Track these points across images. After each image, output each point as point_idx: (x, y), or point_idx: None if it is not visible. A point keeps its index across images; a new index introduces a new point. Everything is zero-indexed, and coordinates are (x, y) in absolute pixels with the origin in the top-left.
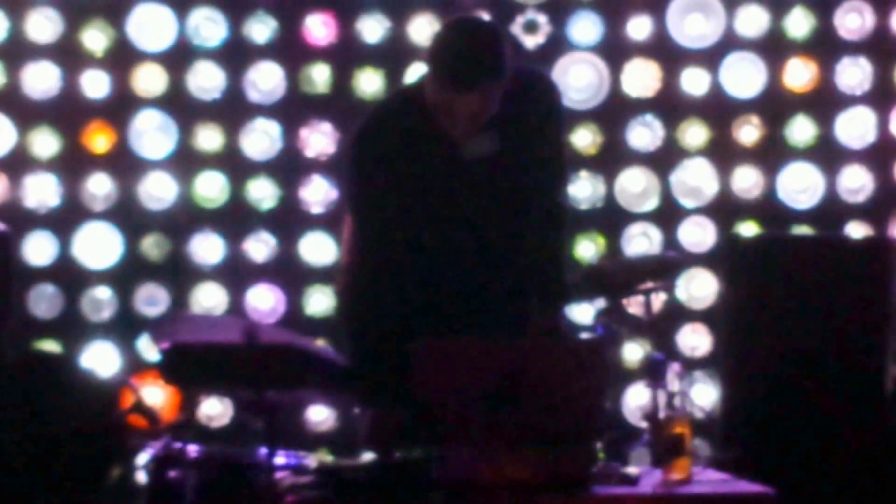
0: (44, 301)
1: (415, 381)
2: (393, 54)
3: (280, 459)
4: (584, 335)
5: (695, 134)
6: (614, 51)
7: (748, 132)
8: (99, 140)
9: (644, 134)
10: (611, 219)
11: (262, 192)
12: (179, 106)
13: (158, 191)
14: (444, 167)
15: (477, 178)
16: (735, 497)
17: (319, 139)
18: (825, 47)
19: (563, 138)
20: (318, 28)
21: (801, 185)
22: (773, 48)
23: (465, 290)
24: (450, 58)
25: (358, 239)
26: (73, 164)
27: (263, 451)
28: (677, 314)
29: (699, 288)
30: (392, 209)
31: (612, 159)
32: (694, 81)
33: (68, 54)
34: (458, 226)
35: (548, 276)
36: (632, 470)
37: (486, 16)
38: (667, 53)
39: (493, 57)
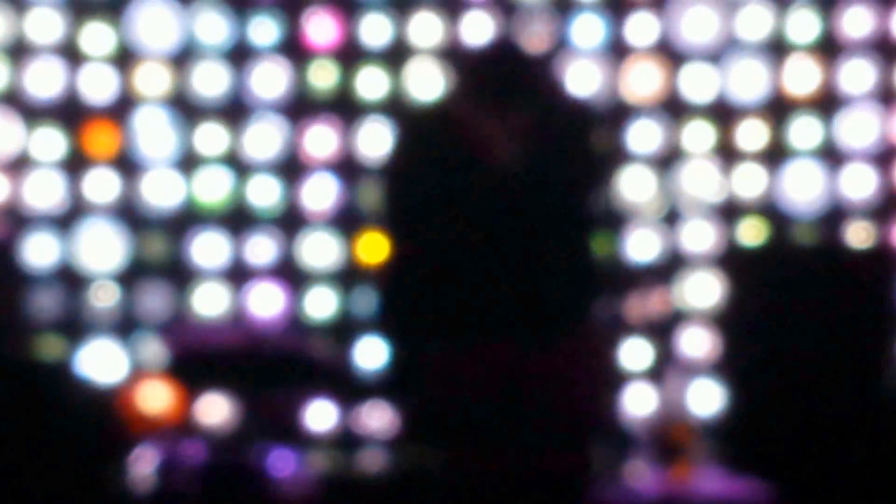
0: (47, 303)
1: (422, 384)
2: (397, 54)
3: (282, 460)
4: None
5: (697, 136)
6: (616, 52)
7: (751, 134)
8: (103, 140)
9: (646, 136)
10: (612, 221)
11: (266, 193)
12: (183, 106)
13: (163, 191)
14: (476, 178)
15: (508, 189)
16: (736, 498)
17: (324, 139)
18: (828, 49)
19: (591, 146)
20: (322, 28)
21: (803, 188)
22: (776, 50)
23: (496, 297)
24: (487, 81)
25: (397, 247)
26: (76, 165)
27: (266, 452)
28: (679, 317)
29: (701, 291)
30: (428, 221)
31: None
32: (697, 83)
33: (72, 54)
34: (491, 234)
35: (576, 282)
36: (633, 471)
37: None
38: (669, 55)
39: (527, 80)
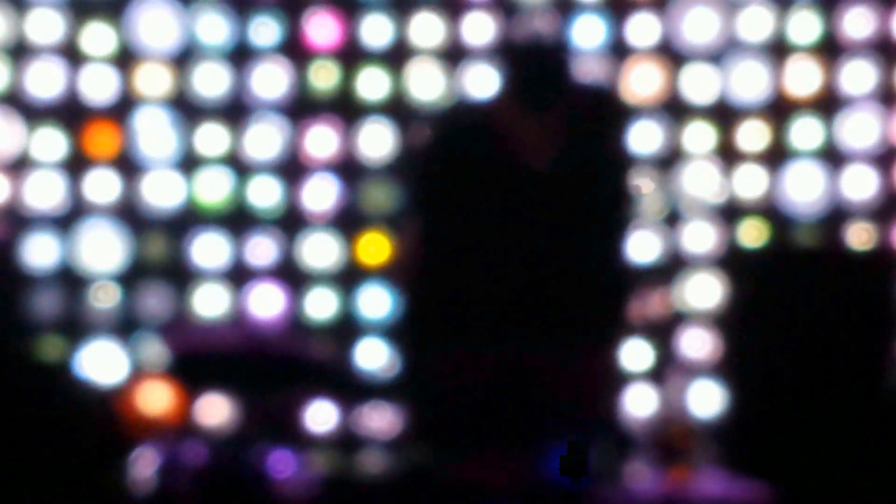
0: (47, 303)
1: (432, 385)
2: (398, 54)
3: (282, 461)
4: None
5: (698, 136)
6: (617, 53)
7: (752, 135)
8: (104, 141)
9: (647, 136)
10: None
11: (267, 194)
12: (184, 107)
13: (163, 192)
14: (511, 178)
15: (542, 190)
16: (736, 500)
17: (324, 140)
18: (829, 50)
19: (626, 149)
20: (323, 28)
21: (804, 189)
22: (777, 51)
23: (525, 297)
24: (524, 79)
25: (425, 244)
26: (77, 165)
27: (266, 453)
28: (680, 318)
29: (702, 292)
30: (460, 218)
31: None
32: (698, 84)
33: (73, 55)
34: (523, 235)
35: (604, 285)
36: (633, 472)
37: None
38: (670, 56)
39: (565, 79)
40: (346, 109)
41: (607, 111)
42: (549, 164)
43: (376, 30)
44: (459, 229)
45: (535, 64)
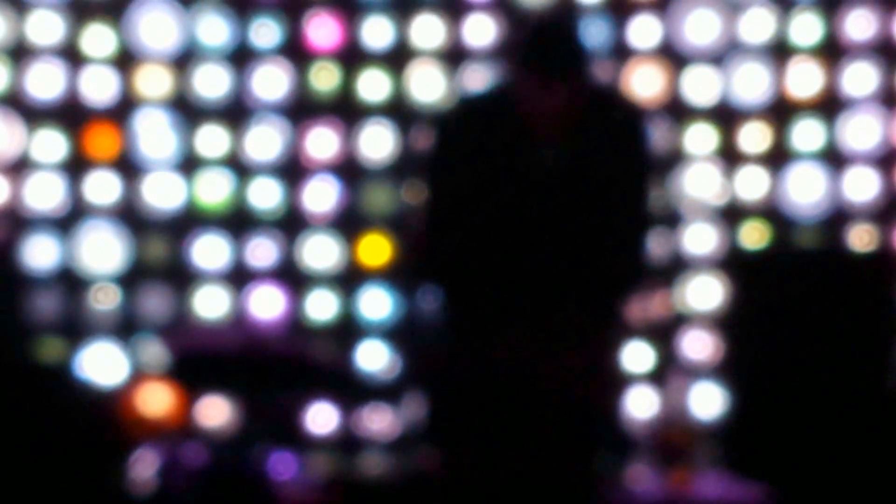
0: (47, 305)
1: (425, 384)
2: (398, 56)
3: (283, 463)
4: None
5: (700, 138)
6: (619, 55)
7: (754, 137)
8: (104, 142)
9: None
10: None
11: (267, 195)
12: (184, 108)
13: (164, 193)
14: (522, 162)
15: (553, 182)
16: (737, 502)
17: (325, 141)
18: (831, 52)
19: (644, 152)
20: (323, 30)
21: (805, 190)
22: (779, 53)
23: (529, 279)
24: (541, 48)
25: (432, 215)
26: (77, 167)
27: (267, 454)
28: (681, 320)
29: (703, 294)
30: (468, 192)
31: None
32: (700, 85)
33: (73, 56)
34: (529, 219)
35: (609, 272)
36: (634, 474)
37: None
38: (672, 57)
39: (581, 50)
40: (347, 111)
41: (627, 108)
42: (562, 141)
43: (377, 31)
44: (470, 204)
45: (550, 30)
